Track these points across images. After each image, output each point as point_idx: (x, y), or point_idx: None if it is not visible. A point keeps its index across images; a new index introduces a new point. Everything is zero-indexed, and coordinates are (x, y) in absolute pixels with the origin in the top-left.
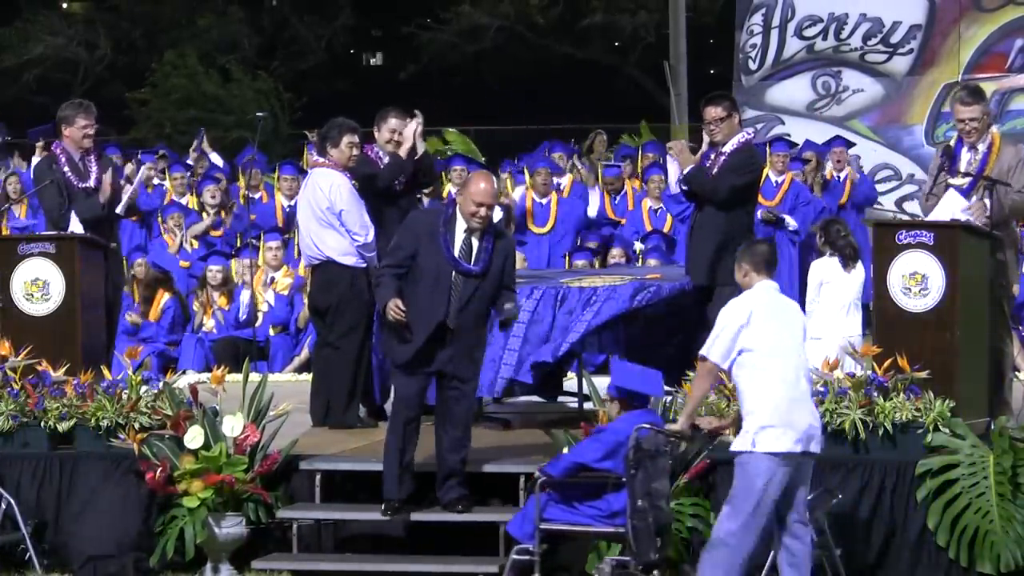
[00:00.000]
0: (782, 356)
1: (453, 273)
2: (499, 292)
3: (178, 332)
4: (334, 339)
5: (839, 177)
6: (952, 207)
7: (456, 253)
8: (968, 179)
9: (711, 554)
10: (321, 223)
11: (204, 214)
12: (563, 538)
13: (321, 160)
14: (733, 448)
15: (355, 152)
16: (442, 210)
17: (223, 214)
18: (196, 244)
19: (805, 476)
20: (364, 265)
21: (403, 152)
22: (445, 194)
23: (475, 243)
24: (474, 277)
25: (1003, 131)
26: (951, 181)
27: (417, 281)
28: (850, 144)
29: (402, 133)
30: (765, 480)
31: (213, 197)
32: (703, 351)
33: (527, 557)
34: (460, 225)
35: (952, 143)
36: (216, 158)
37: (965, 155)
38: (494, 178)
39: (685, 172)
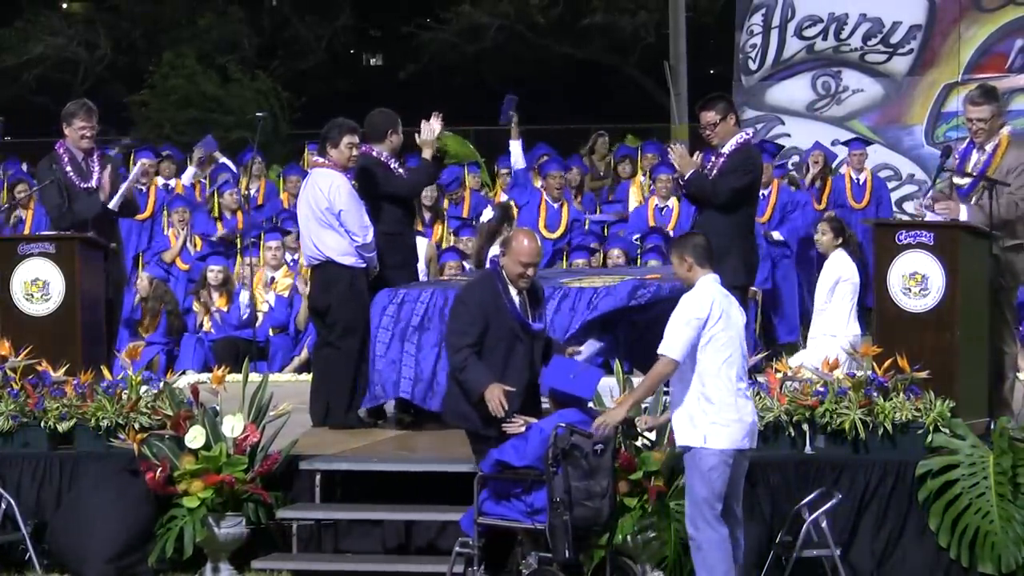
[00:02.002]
0: (732, 351)
1: (523, 334)
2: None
3: (171, 336)
4: (334, 339)
5: (858, 180)
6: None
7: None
8: (969, 179)
9: (701, 555)
10: (321, 223)
11: (219, 221)
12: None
13: (321, 160)
14: (683, 442)
15: (355, 152)
16: (492, 275)
17: (239, 216)
18: (200, 245)
19: (743, 470)
20: (364, 265)
21: (428, 155)
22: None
23: (527, 301)
24: (538, 332)
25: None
26: (955, 180)
27: (491, 352)
28: (867, 143)
29: (423, 135)
30: (718, 474)
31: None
32: (664, 349)
33: (467, 550)
34: (512, 287)
35: (952, 143)
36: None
37: (974, 155)
38: (536, 235)
39: (686, 176)
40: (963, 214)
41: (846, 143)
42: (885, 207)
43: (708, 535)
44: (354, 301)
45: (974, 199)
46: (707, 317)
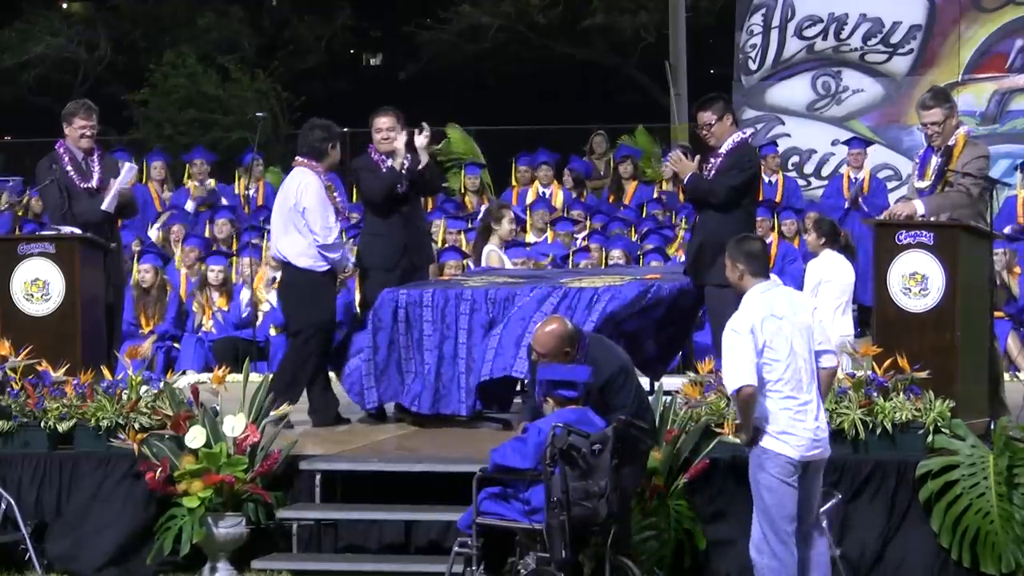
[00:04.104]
0: (781, 371)
1: None
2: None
3: (179, 328)
4: (289, 335)
5: (855, 178)
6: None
7: None
8: (929, 183)
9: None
10: (285, 222)
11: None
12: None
13: (303, 160)
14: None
15: (339, 154)
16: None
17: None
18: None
19: (815, 482)
20: (324, 268)
21: (397, 164)
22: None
23: None
24: None
25: (1003, 131)
26: (917, 184)
27: None
28: (868, 144)
29: (390, 137)
30: (778, 489)
31: (220, 231)
32: (734, 383)
33: (466, 550)
34: None
35: (924, 148)
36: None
37: (933, 159)
38: (563, 327)
39: (684, 181)
40: (919, 208)
41: (846, 142)
42: (871, 203)
43: (763, 557)
44: (307, 303)
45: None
46: (754, 338)
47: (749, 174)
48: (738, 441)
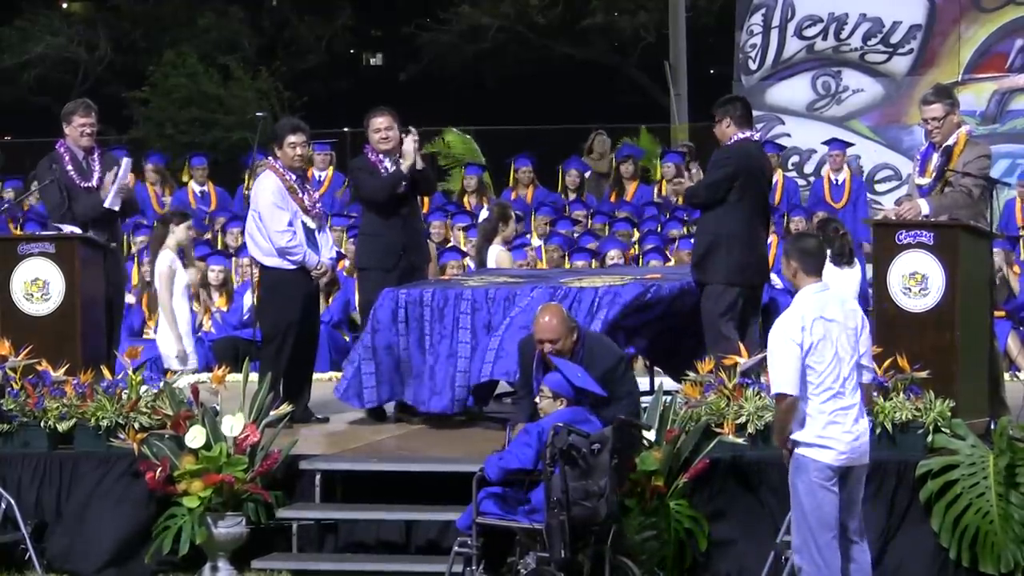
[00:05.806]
0: (824, 376)
1: None
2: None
3: None
4: (263, 335)
5: (836, 180)
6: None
7: None
8: (929, 180)
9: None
10: (251, 222)
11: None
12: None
13: (270, 162)
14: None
15: (299, 151)
16: (530, 336)
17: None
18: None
19: (856, 490)
20: (291, 267)
21: (405, 168)
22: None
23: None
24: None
25: (1003, 131)
26: (917, 181)
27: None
28: (848, 145)
29: (389, 136)
30: (816, 494)
31: (236, 240)
32: (775, 388)
33: (466, 550)
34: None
35: (924, 145)
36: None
37: (934, 158)
38: (560, 310)
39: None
40: (924, 208)
41: (826, 143)
42: (861, 207)
43: (801, 563)
44: (273, 303)
45: (934, 197)
46: (800, 342)
47: (725, 171)
48: (739, 441)
